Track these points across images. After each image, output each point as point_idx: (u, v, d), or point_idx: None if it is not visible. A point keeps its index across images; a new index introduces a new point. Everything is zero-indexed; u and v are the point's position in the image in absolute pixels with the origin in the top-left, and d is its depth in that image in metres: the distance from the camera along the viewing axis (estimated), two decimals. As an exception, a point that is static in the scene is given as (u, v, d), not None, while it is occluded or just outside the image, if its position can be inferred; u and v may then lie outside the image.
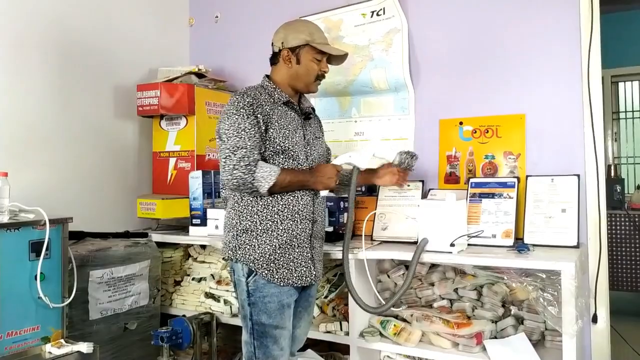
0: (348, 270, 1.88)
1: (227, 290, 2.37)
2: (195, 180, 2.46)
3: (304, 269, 1.76)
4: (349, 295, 1.91)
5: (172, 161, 2.70)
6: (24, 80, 2.30)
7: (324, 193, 1.84)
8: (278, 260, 1.72)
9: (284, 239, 1.72)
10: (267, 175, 1.64)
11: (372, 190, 2.42)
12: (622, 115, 5.07)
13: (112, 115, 2.72)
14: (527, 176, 2.09)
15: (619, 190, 3.89)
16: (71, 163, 2.49)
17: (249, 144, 1.66)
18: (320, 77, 1.84)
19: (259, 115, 1.70)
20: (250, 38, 2.92)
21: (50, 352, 1.70)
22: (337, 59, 1.88)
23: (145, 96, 2.62)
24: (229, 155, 1.65)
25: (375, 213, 2.25)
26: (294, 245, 1.74)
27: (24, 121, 2.29)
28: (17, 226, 1.66)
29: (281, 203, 1.73)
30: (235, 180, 1.65)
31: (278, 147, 1.72)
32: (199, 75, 2.75)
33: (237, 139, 1.66)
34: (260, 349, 1.72)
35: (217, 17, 3.09)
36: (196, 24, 3.18)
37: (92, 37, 2.61)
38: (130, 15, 2.82)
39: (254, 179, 1.64)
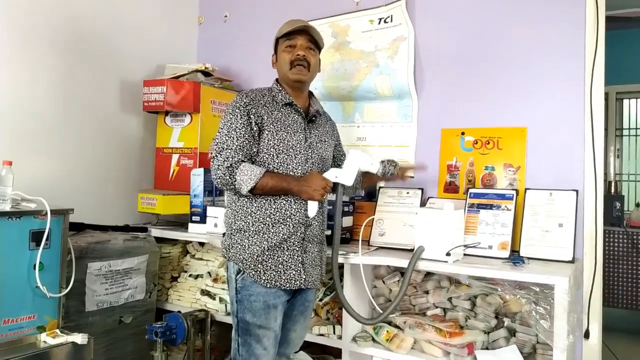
0: (339, 284, 1.89)
1: (223, 289, 2.39)
2: (197, 178, 2.48)
3: (293, 272, 1.76)
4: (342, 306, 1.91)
5: (174, 157, 2.72)
6: (31, 71, 2.32)
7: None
8: (266, 262, 1.73)
9: (274, 241, 1.74)
10: (246, 178, 1.68)
11: (371, 196, 2.44)
12: (625, 132, 5.07)
13: (117, 108, 2.74)
14: (525, 189, 2.10)
15: (618, 207, 3.89)
16: (75, 154, 2.51)
17: (236, 144, 1.71)
18: (295, 62, 1.80)
19: (252, 117, 1.74)
20: (258, 39, 2.94)
21: (45, 342, 1.71)
22: (306, 36, 1.82)
23: (151, 92, 2.64)
24: (216, 156, 1.73)
25: (373, 218, 2.26)
26: (284, 248, 1.75)
27: (30, 111, 2.31)
28: (19, 215, 1.68)
29: (274, 206, 1.75)
30: (218, 180, 1.72)
31: (272, 149, 1.75)
32: (206, 73, 2.77)
33: (227, 137, 1.72)
34: (244, 346, 1.74)
35: (226, 16, 3.12)
36: (205, 23, 3.21)
37: (100, 30, 2.63)
38: (139, 11, 2.84)
39: (234, 181, 1.69)
